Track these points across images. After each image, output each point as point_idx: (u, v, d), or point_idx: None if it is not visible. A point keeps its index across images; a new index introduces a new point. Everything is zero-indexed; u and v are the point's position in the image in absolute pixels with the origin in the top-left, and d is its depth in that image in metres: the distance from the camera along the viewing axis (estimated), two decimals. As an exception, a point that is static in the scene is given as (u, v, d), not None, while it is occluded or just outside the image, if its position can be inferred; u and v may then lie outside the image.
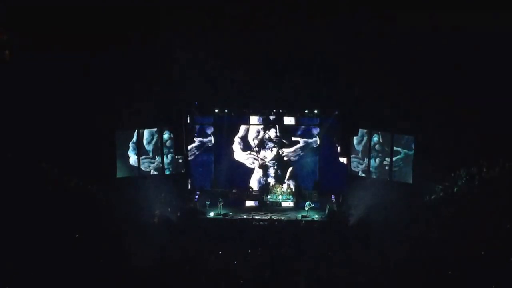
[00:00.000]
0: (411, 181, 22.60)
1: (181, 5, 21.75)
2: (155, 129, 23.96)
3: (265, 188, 24.55)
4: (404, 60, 21.57)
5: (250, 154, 25.09)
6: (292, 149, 24.90)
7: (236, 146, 25.08)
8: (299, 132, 24.77)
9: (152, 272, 16.10)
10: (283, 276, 15.94)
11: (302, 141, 24.80)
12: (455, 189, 20.40)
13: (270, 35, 22.48)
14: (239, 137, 24.99)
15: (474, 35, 20.65)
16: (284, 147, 24.90)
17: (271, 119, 24.49)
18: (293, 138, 24.80)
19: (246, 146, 25.04)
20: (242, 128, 24.96)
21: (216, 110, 24.24)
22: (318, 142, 24.62)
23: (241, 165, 25.13)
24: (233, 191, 24.34)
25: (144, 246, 17.85)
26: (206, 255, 17.37)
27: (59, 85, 21.80)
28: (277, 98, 23.70)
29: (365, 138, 23.75)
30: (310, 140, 24.74)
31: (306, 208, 22.57)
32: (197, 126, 24.93)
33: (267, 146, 24.98)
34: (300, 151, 24.87)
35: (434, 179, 21.53)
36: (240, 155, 25.13)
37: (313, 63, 22.73)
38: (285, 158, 24.99)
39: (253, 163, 25.16)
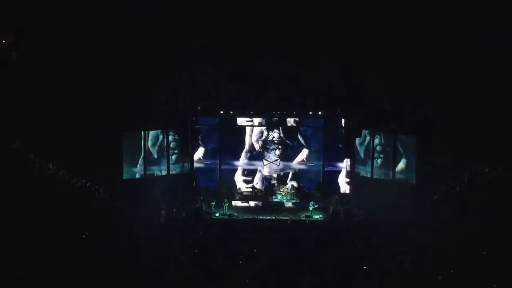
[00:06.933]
0: (414, 182, 22.75)
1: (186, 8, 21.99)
2: (161, 130, 24.18)
3: (269, 188, 24.71)
4: (407, 60, 21.73)
5: (254, 155, 25.23)
6: (295, 150, 25.01)
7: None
8: (302, 133, 24.91)
9: (158, 272, 16.29)
10: (287, 275, 16.10)
11: (305, 142, 24.91)
12: (458, 189, 20.51)
13: (274, 35, 22.66)
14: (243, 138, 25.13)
15: (474, 34, 20.80)
16: (287, 148, 25.04)
17: (275, 120, 24.65)
18: (296, 139, 24.95)
19: (250, 147, 25.20)
20: (246, 130, 25.09)
21: (221, 112, 24.41)
22: (321, 143, 24.74)
23: (245, 165, 25.27)
24: (238, 191, 24.52)
25: (150, 246, 18.06)
26: (212, 255, 17.57)
27: (65, 87, 22.02)
28: (281, 99, 23.83)
29: (368, 139, 23.93)
30: (313, 141, 24.85)
31: (310, 208, 22.76)
32: (202, 127, 25.09)
33: (271, 147, 25.14)
34: (303, 152, 24.99)
35: (437, 179, 21.65)
36: (244, 156, 25.29)
37: (316, 64, 22.89)
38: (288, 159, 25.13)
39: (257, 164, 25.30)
